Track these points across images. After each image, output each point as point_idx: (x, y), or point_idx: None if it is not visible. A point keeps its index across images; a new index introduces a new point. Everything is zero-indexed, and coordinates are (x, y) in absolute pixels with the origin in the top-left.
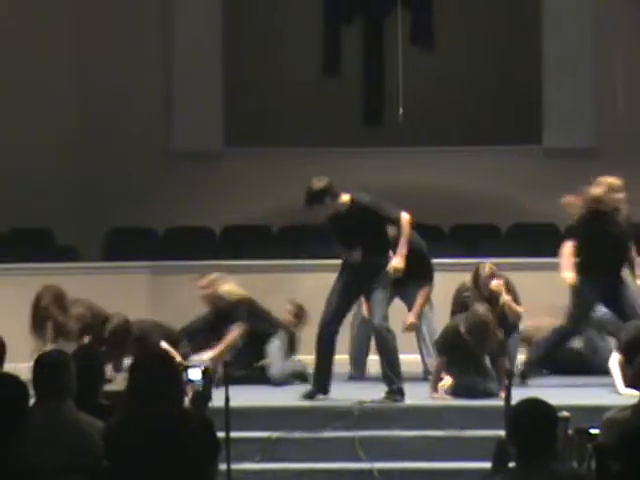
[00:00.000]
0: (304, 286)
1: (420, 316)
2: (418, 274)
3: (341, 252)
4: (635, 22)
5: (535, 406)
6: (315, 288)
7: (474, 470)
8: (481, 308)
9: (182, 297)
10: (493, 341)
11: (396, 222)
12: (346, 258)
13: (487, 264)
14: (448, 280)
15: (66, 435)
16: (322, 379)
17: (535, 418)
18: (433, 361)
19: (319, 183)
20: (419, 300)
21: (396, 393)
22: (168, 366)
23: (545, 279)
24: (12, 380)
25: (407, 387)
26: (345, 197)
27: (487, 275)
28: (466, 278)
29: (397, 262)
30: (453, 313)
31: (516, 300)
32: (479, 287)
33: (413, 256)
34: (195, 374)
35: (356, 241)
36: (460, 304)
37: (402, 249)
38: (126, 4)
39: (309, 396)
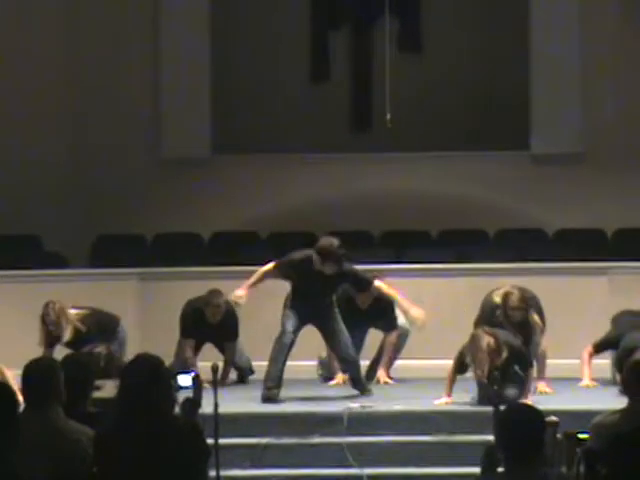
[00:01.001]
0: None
1: (390, 367)
2: (385, 323)
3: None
4: (623, 27)
5: (523, 411)
6: None
7: (463, 475)
8: (484, 335)
9: (171, 303)
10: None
11: (372, 284)
12: (299, 299)
13: (515, 293)
14: (435, 285)
15: (55, 442)
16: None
17: (523, 423)
18: None
19: (337, 243)
20: (388, 353)
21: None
22: (158, 372)
23: (533, 284)
24: (1, 388)
25: (397, 392)
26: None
27: (514, 307)
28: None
29: (418, 312)
30: (480, 321)
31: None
32: (507, 314)
33: (379, 302)
34: (185, 380)
35: (315, 294)
36: (488, 318)
37: (405, 301)
38: (114, 13)
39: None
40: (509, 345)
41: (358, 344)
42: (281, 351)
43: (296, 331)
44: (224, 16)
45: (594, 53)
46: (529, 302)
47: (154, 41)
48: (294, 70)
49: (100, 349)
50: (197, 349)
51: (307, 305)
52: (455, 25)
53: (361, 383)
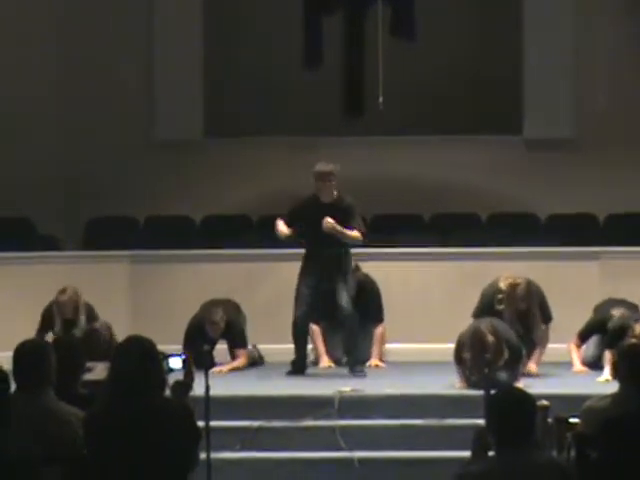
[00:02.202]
0: (284, 275)
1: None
2: (371, 314)
3: (304, 240)
4: (617, 14)
5: (513, 395)
6: (295, 277)
7: (454, 459)
8: (484, 327)
9: (163, 286)
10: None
11: (360, 234)
12: (308, 252)
13: (522, 285)
14: (428, 269)
15: (46, 424)
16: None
17: (513, 407)
18: None
19: (330, 165)
20: (378, 346)
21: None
22: (149, 355)
23: (525, 268)
24: None
25: (387, 376)
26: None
27: (520, 298)
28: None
29: (332, 222)
30: (479, 312)
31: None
32: (512, 304)
33: (365, 295)
34: (176, 363)
35: (323, 238)
36: (489, 308)
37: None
38: None
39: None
40: (509, 343)
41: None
42: (298, 338)
43: (307, 315)
44: (218, 0)
45: (588, 38)
46: (534, 295)
47: (147, 24)
48: (287, 54)
49: (99, 325)
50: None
51: (318, 266)
52: (448, 10)
53: (353, 355)
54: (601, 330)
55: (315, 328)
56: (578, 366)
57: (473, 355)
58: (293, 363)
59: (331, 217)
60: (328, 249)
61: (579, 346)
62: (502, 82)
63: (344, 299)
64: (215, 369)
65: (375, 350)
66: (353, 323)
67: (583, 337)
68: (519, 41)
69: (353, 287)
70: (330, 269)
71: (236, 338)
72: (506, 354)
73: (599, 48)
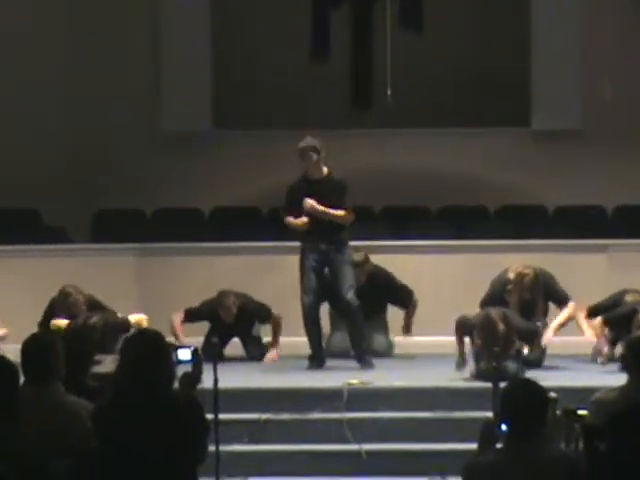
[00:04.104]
0: (293, 267)
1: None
2: (398, 298)
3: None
4: (624, 5)
5: (525, 387)
6: None
7: (463, 451)
8: (495, 314)
9: (170, 278)
10: (500, 343)
11: (348, 211)
12: (306, 233)
13: (530, 275)
14: (435, 262)
15: (54, 417)
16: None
17: (525, 399)
18: None
19: (310, 139)
20: (410, 316)
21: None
22: (158, 347)
23: (533, 260)
24: (2, 362)
25: (396, 369)
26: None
27: (527, 288)
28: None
29: (314, 203)
30: (488, 301)
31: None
32: (518, 293)
33: (378, 284)
34: (185, 354)
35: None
36: (499, 299)
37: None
38: None
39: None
40: (519, 330)
41: (379, 325)
42: (310, 329)
43: (315, 303)
44: None
45: (595, 29)
46: (541, 287)
47: (155, 14)
48: (295, 46)
49: (95, 320)
50: (222, 346)
51: (316, 248)
52: (456, 1)
53: (361, 347)
54: (607, 312)
55: None
56: (589, 332)
57: (483, 342)
58: (311, 358)
59: (322, 194)
60: (323, 230)
61: (586, 319)
62: (510, 74)
63: (345, 288)
64: (267, 357)
65: (408, 318)
66: (357, 316)
67: (590, 313)
68: (526, 33)
69: (353, 275)
70: (328, 250)
71: (257, 316)
72: (517, 343)
73: (607, 40)
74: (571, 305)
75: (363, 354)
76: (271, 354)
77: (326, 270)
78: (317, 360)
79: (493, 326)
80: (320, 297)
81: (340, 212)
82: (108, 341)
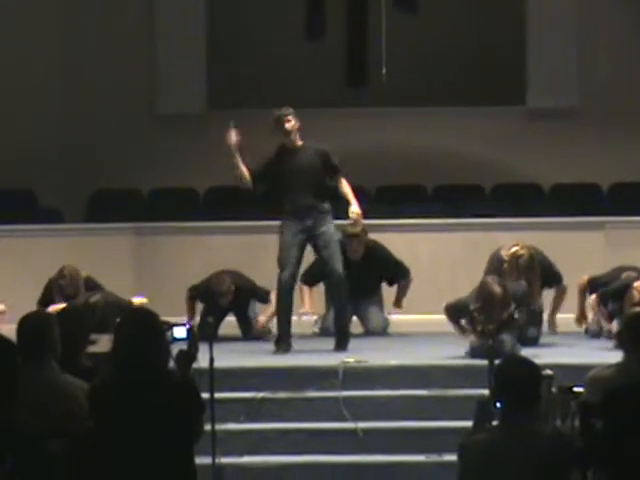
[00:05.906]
0: None
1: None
2: (396, 274)
3: (281, 197)
4: None
5: (519, 364)
6: None
7: (459, 429)
8: (494, 285)
9: (166, 258)
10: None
11: (339, 175)
12: (289, 204)
13: (525, 256)
14: (431, 240)
15: (50, 396)
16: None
17: (518, 376)
18: None
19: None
20: (403, 291)
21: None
22: (152, 326)
23: (529, 239)
24: (2, 342)
25: (392, 347)
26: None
27: (522, 269)
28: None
29: (357, 207)
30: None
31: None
32: (513, 275)
33: (376, 258)
34: (180, 332)
35: (304, 184)
36: (495, 270)
37: (352, 197)
38: None
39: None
40: (514, 294)
41: (375, 301)
42: (282, 307)
43: (292, 278)
44: None
45: (591, 8)
46: (537, 268)
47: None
48: (290, 25)
49: (95, 299)
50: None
51: (298, 222)
52: None
53: (343, 330)
54: (605, 286)
55: (306, 287)
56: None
57: (481, 305)
58: (277, 342)
59: (307, 162)
60: (306, 199)
61: (585, 291)
62: (505, 52)
63: (339, 263)
64: (258, 323)
65: (399, 293)
66: (344, 291)
67: (591, 286)
68: (522, 11)
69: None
70: (313, 220)
71: (256, 297)
72: (512, 307)
73: (602, 17)
74: (564, 286)
75: (344, 341)
76: (262, 320)
77: (312, 245)
78: (284, 345)
79: (489, 289)
80: (297, 271)
81: (349, 190)
82: (110, 320)
